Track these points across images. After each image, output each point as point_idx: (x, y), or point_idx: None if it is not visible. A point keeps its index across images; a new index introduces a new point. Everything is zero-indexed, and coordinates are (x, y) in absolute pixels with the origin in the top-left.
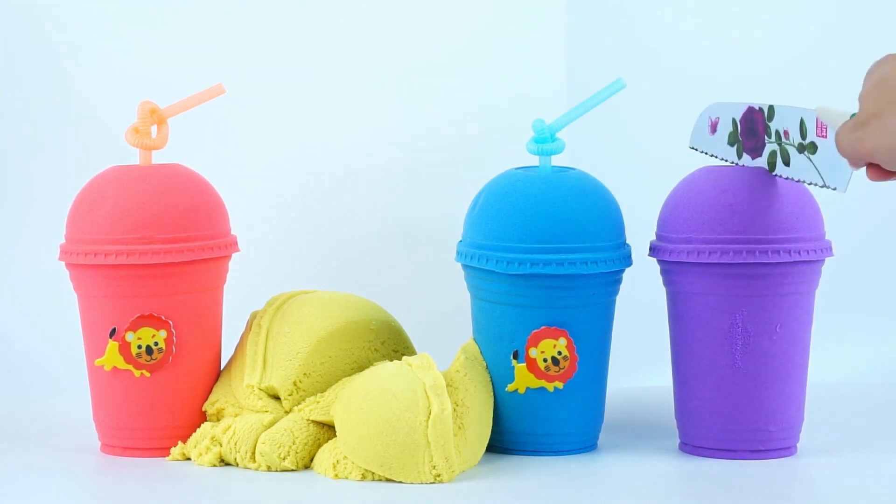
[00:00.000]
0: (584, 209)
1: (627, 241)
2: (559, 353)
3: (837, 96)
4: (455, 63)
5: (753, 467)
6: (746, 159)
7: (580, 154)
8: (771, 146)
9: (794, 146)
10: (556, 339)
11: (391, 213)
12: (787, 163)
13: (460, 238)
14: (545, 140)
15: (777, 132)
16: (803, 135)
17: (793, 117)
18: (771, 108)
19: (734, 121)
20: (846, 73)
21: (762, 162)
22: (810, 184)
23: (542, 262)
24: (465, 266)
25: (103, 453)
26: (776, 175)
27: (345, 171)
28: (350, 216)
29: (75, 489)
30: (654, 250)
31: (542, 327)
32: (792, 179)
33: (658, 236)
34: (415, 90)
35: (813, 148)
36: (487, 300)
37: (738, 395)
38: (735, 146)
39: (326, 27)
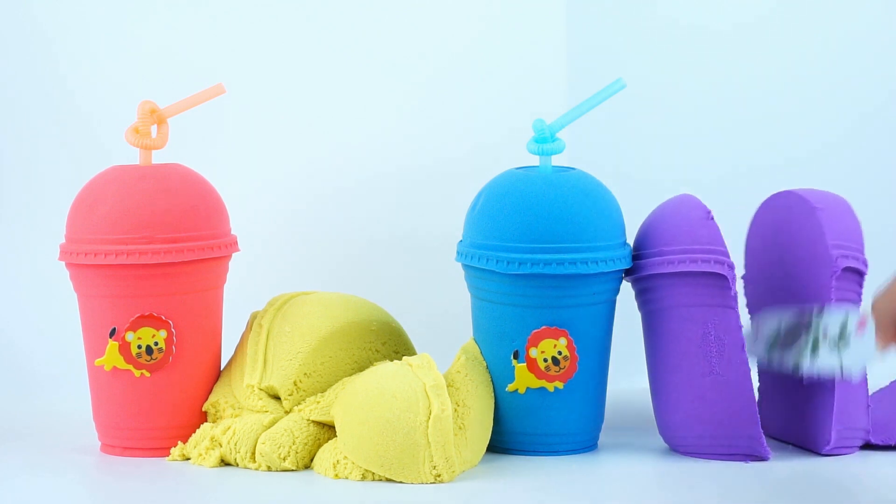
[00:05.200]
0: (584, 209)
1: (627, 241)
2: (559, 353)
3: (844, 103)
4: (455, 63)
5: (754, 467)
6: (778, 357)
7: (580, 154)
8: (806, 342)
9: (828, 342)
10: (557, 339)
11: (391, 214)
12: (814, 352)
13: (460, 238)
14: (545, 140)
15: (818, 329)
16: (843, 333)
17: (839, 316)
18: (821, 309)
19: (780, 328)
20: (851, 93)
21: (792, 357)
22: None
23: (542, 262)
24: (465, 266)
25: (103, 453)
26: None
27: (345, 171)
28: (350, 216)
29: (75, 489)
30: (627, 273)
31: (543, 327)
32: (811, 373)
33: (632, 258)
34: (415, 90)
35: (846, 343)
36: (488, 300)
37: (723, 402)
38: (775, 349)
39: (327, 26)
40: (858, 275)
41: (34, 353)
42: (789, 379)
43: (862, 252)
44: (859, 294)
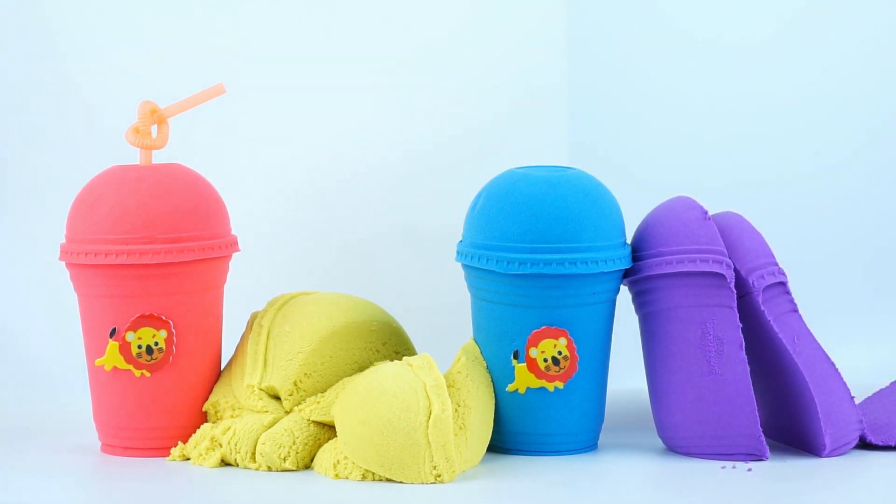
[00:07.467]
0: (584, 209)
1: (628, 241)
2: (559, 352)
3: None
4: (456, 62)
5: (755, 466)
6: None
7: (580, 154)
8: None
9: None
10: (557, 338)
11: (391, 214)
12: None
13: (460, 238)
14: None
15: None
16: None
17: None
18: None
19: None
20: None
21: None
22: None
23: (542, 262)
24: (465, 266)
25: (103, 453)
26: None
27: (345, 171)
28: (350, 216)
29: (75, 489)
30: (625, 275)
31: (543, 327)
32: None
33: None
34: (415, 90)
35: None
36: (488, 300)
37: (722, 402)
38: None
39: (326, 27)
40: (780, 285)
41: (34, 353)
42: (771, 387)
43: (773, 262)
44: (791, 300)
